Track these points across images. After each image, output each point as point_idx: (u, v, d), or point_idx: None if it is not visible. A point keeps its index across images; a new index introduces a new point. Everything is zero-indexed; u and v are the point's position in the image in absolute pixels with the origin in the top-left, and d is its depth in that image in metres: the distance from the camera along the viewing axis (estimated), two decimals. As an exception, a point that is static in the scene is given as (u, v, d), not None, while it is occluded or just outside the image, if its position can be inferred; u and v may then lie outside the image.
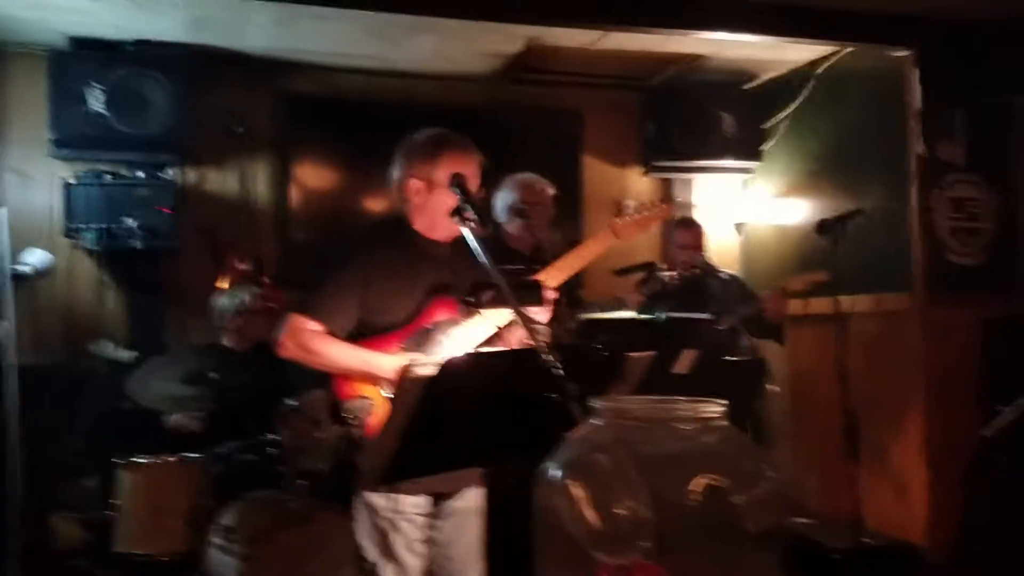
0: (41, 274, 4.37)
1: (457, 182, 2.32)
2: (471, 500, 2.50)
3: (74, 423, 4.35)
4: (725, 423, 0.86)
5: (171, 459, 3.71)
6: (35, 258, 4.34)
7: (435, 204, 2.42)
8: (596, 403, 0.90)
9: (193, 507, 3.62)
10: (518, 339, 2.41)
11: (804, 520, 4.37)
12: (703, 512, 0.79)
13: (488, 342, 2.43)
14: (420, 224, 2.48)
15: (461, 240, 2.30)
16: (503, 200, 3.63)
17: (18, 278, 4.20)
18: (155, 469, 3.71)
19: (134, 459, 3.72)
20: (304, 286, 2.52)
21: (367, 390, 2.33)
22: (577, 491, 0.82)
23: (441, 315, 2.42)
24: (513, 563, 2.53)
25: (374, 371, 2.32)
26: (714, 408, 0.86)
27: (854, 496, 3.28)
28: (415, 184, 2.44)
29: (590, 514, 0.81)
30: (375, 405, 2.31)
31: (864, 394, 4.05)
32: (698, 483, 0.79)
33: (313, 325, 2.34)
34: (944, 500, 3.90)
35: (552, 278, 2.51)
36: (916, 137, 4.09)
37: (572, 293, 3.44)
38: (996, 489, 3.50)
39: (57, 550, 4.32)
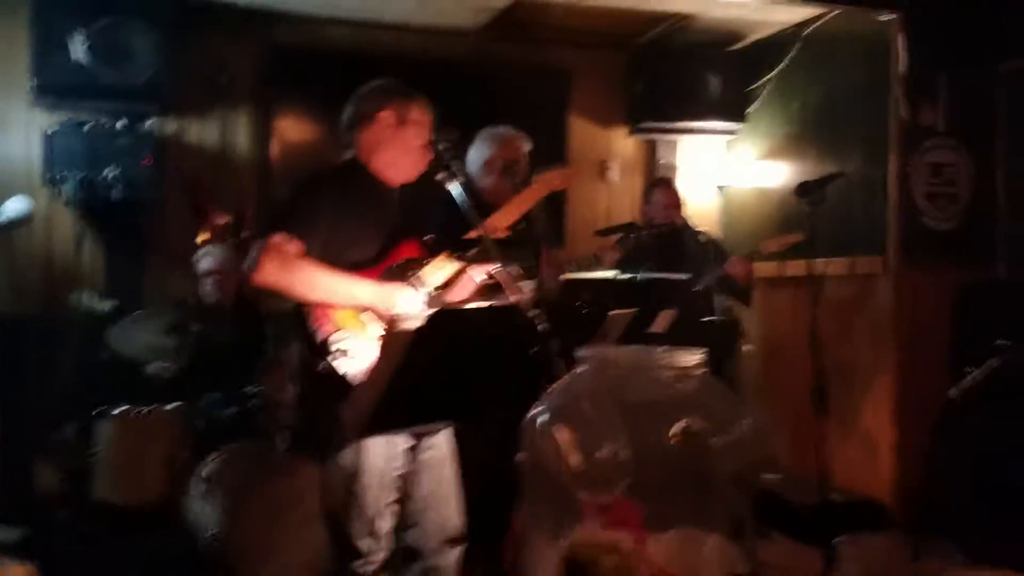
0: (19, 222, 4.33)
1: (448, 142, 2.32)
2: (444, 448, 2.52)
3: (53, 373, 4.36)
4: (703, 372, 0.90)
5: (152, 410, 3.74)
6: (12, 207, 4.30)
7: (403, 141, 2.43)
8: (582, 353, 0.94)
9: (173, 457, 3.66)
10: (473, 288, 2.41)
11: (773, 476, 4.48)
12: (681, 454, 0.83)
13: (447, 287, 2.42)
14: (377, 164, 2.46)
15: (407, 187, 2.34)
16: (478, 154, 3.50)
17: (-4, 228, 4.18)
18: (136, 420, 3.74)
19: (115, 409, 3.74)
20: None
21: (349, 323, 2.28)
22: (563, 435, 0.87)
23: (407, 256, 2.42)
24: (488, 504, 2.63)
25: (361, 300, 2.27)
26: (693, 358, 0.90)
27: (822, 454, 3.36)
28: (387, 116, 2.44)
29: (574, 456, 0.85)
30: (359, 339, 2.26)
31: (836, 355, 4.13)
32: (677, 427, 0.83)
33: (292, 247, 2.22)
34: (911, 459, 4.00)
35: (498, 224, 2.50)
36: (899, 101, 4.12)
37: (553, 253, 3.45)
38: (962, 449, 3.59)
39: (37, 498, 4.36)
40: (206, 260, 4.18)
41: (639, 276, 3.91)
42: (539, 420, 0.91)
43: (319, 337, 2.24)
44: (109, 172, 4.28)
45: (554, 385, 0.93)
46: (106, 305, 4.36)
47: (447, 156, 2.31)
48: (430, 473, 2.47)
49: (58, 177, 4.29)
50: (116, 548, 3.69)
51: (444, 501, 2.49)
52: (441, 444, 2.51)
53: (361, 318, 2.29)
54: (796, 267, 4.19)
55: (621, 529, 0.83)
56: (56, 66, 4.19)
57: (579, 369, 0.92)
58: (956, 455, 3.62)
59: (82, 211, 4.44)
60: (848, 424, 4.28)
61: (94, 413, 3.78)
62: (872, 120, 4.25)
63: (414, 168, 2.47)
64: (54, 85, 4.24)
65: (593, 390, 0.89)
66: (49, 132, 4.32)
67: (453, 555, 2.48)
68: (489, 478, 2.91)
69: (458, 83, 4.84)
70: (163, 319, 3.90)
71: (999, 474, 3.31)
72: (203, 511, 3.34)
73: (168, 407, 3.79)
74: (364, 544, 2.30)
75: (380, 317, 2.30)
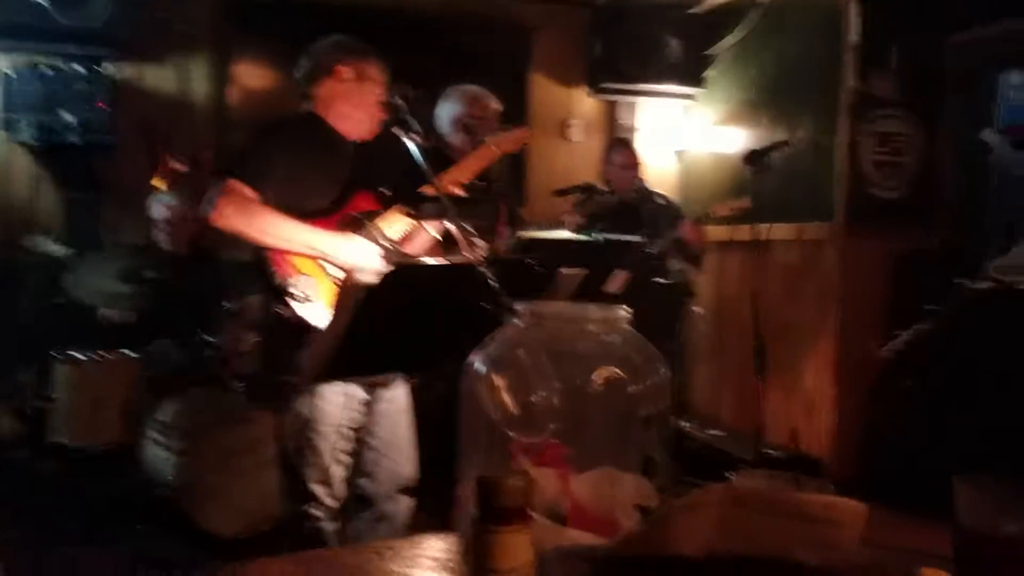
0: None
1: (402, 93, 2.36)
2: (400, 400, 2.61)
3: (10, 316, 4.34)
4: (628, 327, 0.98)
5: (108, 355, 3.76)
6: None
7: (359, 97, 2.48)
8: (518, 306, 1.01)
9: (129, 402, 3.70)
10: (428, 242, 2.47)
11: (716, 432, 4.65)
12: (603, 399, 0.92)
13: (402, 241, 2.47)
14: (334, 117, 2.50)
15: (363, 144, 2.41)
16: (447, 112, 3.50)
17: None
18: (93, 364, 3.76)
19: (72, 354, 3.76)
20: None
21: (307, 267, 2.32)
22: (498, 381, 0.94)
23: (363, 208, 2.47)
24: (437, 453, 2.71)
25: (318, 251, 2.31)
26: (620, 313, 0.98)
27: (759, 410, 3.50)
28: (345, 71, 2.48)
29: (508, 400, 0.93)
30: (318, 282, 2.31)
31: (781, 317, 4.29)
32: (600, 375, 0.91)
33: (249, 192, 2.25)
34: (848, 417, 4.18)
35: (451, 181, 2.54)
36: (850, 70, 4.21)
37: (512, 212, 3.50)
38: (896, 407, 3.75)
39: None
40: (157, 208, 4.17)
41: (594, 237, 3.98)
42: (476, 366, 0.99)
43: (277, 280, 2.28)
44: (65, 116, 4.24)
45: (491, 335, 1.01)
46: (63, 249, 4.34)
47: (402, 111, 2.35)
48: (386, 424, 2.55)
49: (14, 120, 4.24)
50: (72, 490, 3.74)
51: (399, 451, 2.58)
52: (398, 396, 2.60)
53: (320, 263, 2.34)
54: (745, 232, 4.31)
55: (547, 468, 0.91)
56: (13, 6, 4.13)
57: (516, 320, 0.99)
58: (891, 413, 3.79)
59: (39, 154, 4.41)
60: (791, 382, 4.44)
61: (51, 357, 3.79)
62: (824, 88, 4.33)
63: (369, 124, 2.51)
64: (10, 26, 4.18)
65: (527, 340, 0.97)
66: (5, 74, 4.26)
67: (404, 503, 2.58)
68: (441, 431, 3.01)
69: (419, 37, 4.84)
70: (118, 265, 3.90)
71: (926, 432, 3.48)
72: (158, 456, 3.39)
73: (124, 352, 3.81)
74: (318, 489, 2.38)
75: (337, 265, 2.35)
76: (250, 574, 1.15)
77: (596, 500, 0.91)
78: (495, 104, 3.50)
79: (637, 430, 0.93)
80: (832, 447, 4.23)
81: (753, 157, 3.64)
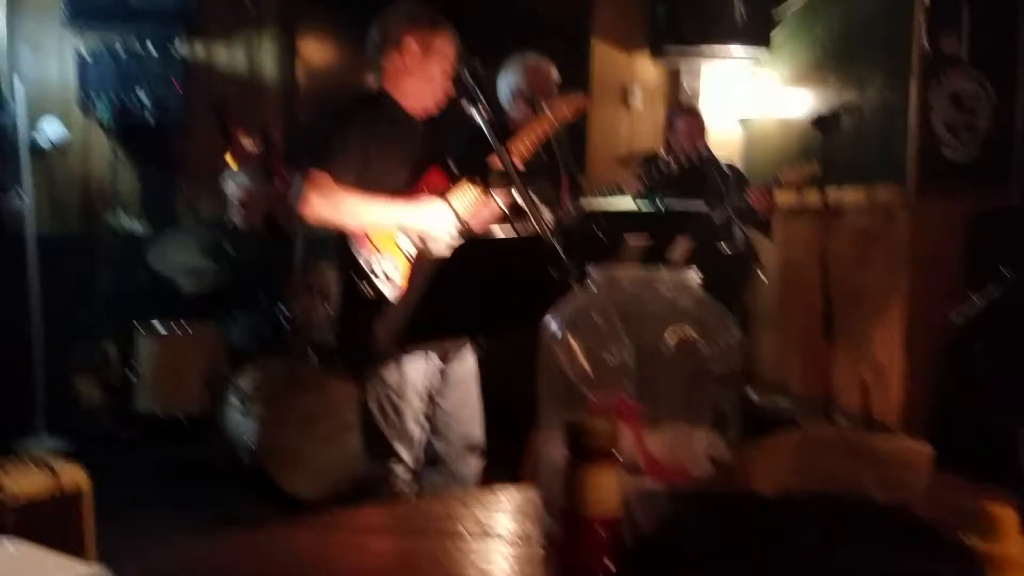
0: (56, 147, 4.47)
1: (471, 69, 2.39)
2: (469, 366, 2.69)
3: (91, 290, 4.54)
4: (698, 289, 1.02)
5: (189, 326, 3.93)
6: (51, 130, 4.43)
7: (426, 70, 2.50)
8: (591, 271, 1.06)
9: (210, 371, 3.86)
10: (496, 214, 2.52)
11: (783, 399, 4.63)
12: (675, 359, 0.96)
13: (471, 213, 2.51)
14: (400, 92, 2.54)
15: (430, 119, 2.46)
16: (507, 83, 3.51)
17: (35, 151, 4.31)
18: (174, 335, 3.93)
19: (155, 325, 3.93)
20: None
21: (386, 245, 2.40)
22: (574, 342, 0.99)
23: (435, 184, 2.53)
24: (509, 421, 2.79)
25: (403, 221, 2.39)
26: (691, 276, 1.02)
27: (828, 378, 3.49)
28: (412, 45, 2.50)
29: (583, 361, 0.98)
30: (397, 262, 2.39)
31: (850, 283, 4.23)
32: (672, 335, 0.95)
33: (331, 181, 2.33)
34: (918, 384, 4.12)
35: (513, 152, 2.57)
36: (921, 29, 4.11)
37: (573, 180, 3.51)
38: (968, 372, 3.70)
39: (79, 409, 4.59)
40: (231, 186, 4.31)
41: (657, 205, 3.97)
42: (552, 328, 1.04)
43: (361, 260, 2.37)
44: (140, 95, 4.39)
45: (567, 299, 1.06)
46: (141, 225, 4.51)
47: (471, 84, 2.39)
48: (456, 388, 2.64)
49: (91, 100, 4.41)
50: (156, 457, 3.93)
51: (468, 414, 2.67)
52: (467, 362, 2.69)
53: (396, 240, 2.42)
54: (813, 197, 4.25)
55: (623, 424, 0.96)
56: (87, -11, 4.26)
57: (589, 284, 1.04)
58: (960, 380, 3.73)
59: (115, 133, 4.56)
60: (860, 349, 4.39)
61: (134, 329, 3.97)
62: (894, 49, 4.23)
63: (436, 98, 2.55)
64: (85, 7, 4.32)
65: (600, 303, 1.01)
66: (82, 55, 4.42)
67: (474, 463, 2.68)
68: (510, 398, 3.09)
69: (480, 6, 4.86)
70: (197, 240, 4.04)
71: (999, 399, 3.42)
72: (239, 422, 3.54)
73: (205, 324, 3.97)
74: (400, 448, 2.48)
75: (412, 239, 2.42)
76: (347, 520, 1.23)
77: (669, 454, 0.96)
78: (554, 73, 3.50)
79: (709, 387, 0.97)
80: (902, 414, 4.19)
81: (822, 122, 3.58)
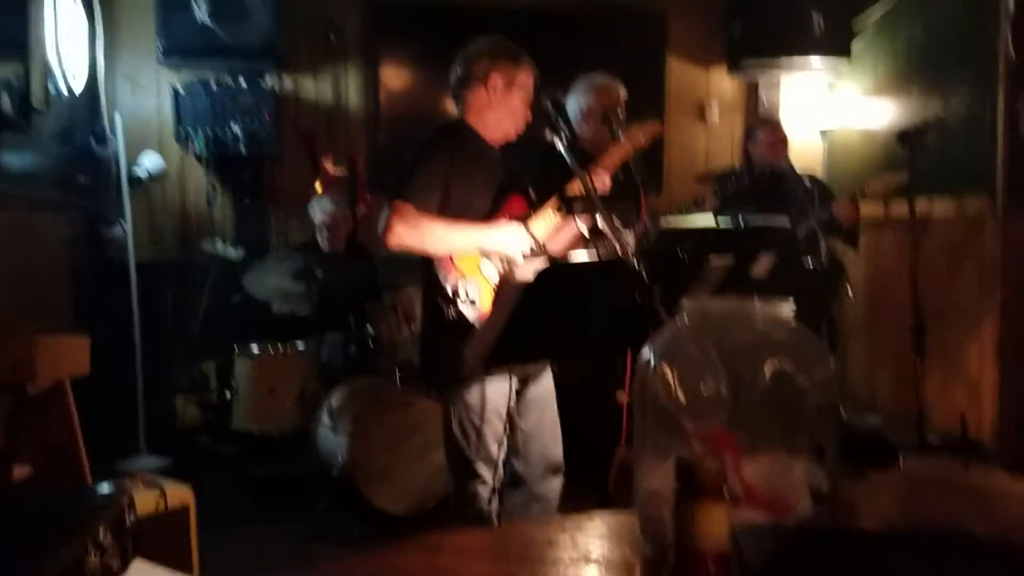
0: (154, 178, 4.69)
1: (554, 101, 2.45)
2: (547, 387, 2.73)
3: (189, 314, 4.74)
4: (794, 322, 1.04)
5: (283, 348, 4.07)
6: (149, 162, 4.66)
7: (508, 103, 2.58)
8: (684, 303, 1.09)
9: (302, 391, 3.99)
10: (578, 239, 2.54)
11: (873, 416, 4.53)
12: (772, 391, 0.99)
13: (553, 238, 2.57)
14: (482, 123, 2.62)
15: (506, 145, 2.53)
16: (575, 103, 3.53)
17: (134, 182, 4.54)
18: (269, 357, 4.07)
19: (251, 347, 4.08)
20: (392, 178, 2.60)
21: (470, 270, 2.47)
22: (669, 373, 1.03)
23: (516, 211, 2.59)
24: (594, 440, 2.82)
25: (487, 248, 2.45)
26: (786, 309, 1.05)
27: (920, 394, 3.41)
28: (497, 80, 2.57)
29: (679, 391, 1.02)
30: (480, 286, 2.46)
31: (940, 297, 4.13)
32: (768, 367, 0.98)
33: (415, 211, 2.39)
34: (1012, 400, 4.00)
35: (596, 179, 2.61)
36: (1006, 37, 4.01)
37: (652, 200, 3.52)
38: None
39: (178, 428, 4.79)
40: (316, 212, 4.46)
41: (739, 221, 3.95)
42: (649, 359, 1.08)
43: (448, 285, 2.44)
44: (233, 127, 4.59)
45: (660, 331, 1.09)
46: (235, 252, 4.69)
47: (553, 115, 2.44)
48: (535, 409, 2.68)
49: (187, 133, 4.62)
50: (252, 473, 4.07)
51: (547, 434, 2.71)
52: (545, 383, 2.73)
53: (480, 266, 2.49)
54: (901, 209, 4.17)
55: (721, 453, 0.99)
56: (180, 27, 4.49)
57: (682, 317, 1.08)
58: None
59: (210, 164, 4.77)
60: (952, 364, 4.28)
61: (231, 350, 4.13)
62: (978, 57, 4.13)
63: (515, 128, 2.63)
64: (179, 45, 4.54)
65: (695, 335, 1.05)
66: (177, 91, 4.64)
67: (556, 483, 2.71)
68: (595, 418, 3.13)
69: (556, 29, 4.93)
70: (290, 264, 4.19)
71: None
72: (330, 439, 3.64)
73: (297, 345, 4.11)
74: (482, 470, 2.54)
75: (496, 264, 2.48)
76: (449, 543, 1.29)
77: (768, 483, 0.98)
78: (622, 91, 3.51)
79: (806, 419, 1.00)
80: (996, 431, 4.06)
81: (907, 136, 3.51)
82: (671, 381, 1.03)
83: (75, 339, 2.46)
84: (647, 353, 1.07)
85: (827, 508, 0.87)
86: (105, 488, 1.72)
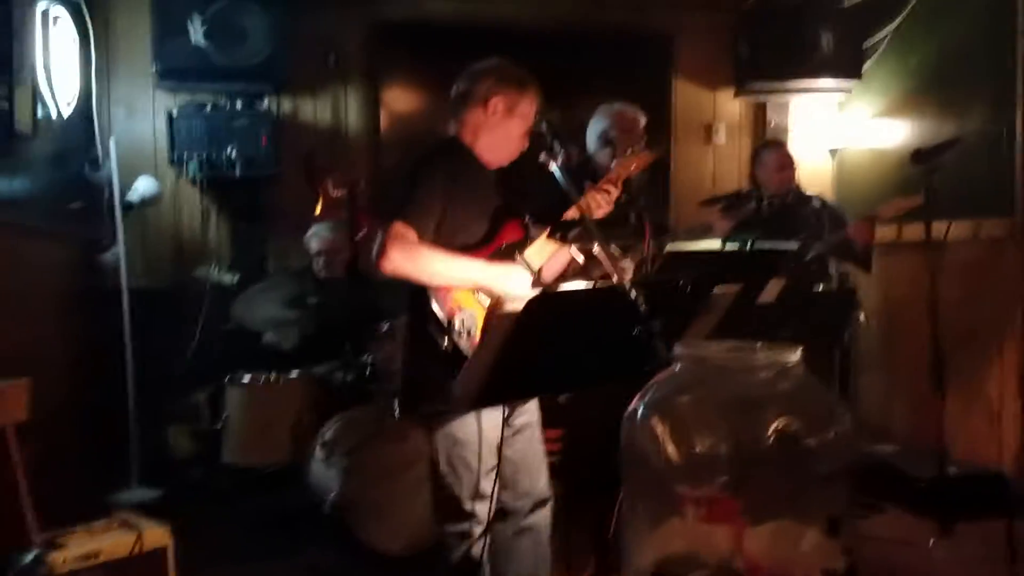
0: (148, 202, 4.60)
1: (549, 124, 2.36)
2: (533, 414, 2.61)
3: (184, 343, 4.62)
4: (801, 370, 0.91)
5: (276, 377, 3.95)
6: (144, 186, 4.56)
7: (507, 130, 2.49)
8: (678, 349, 0.96)
9: (296, 422, 3.87)
10: (575, 267, 2.45)
11: (891, 448, 4.37)
12: (777, 452, 0.85)
13: (549, 267, 2.48)
14: (479, 145, 2.53)
15: (502, 169, 2.44)
16: (595, 129, 3.62)
17: (127, 207, 4.44)
18: (262, 387, 3.95)
19: (244, 377, 3.96)
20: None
21: (466, 301, 2.35)
22: (660, 428, 0.90)
23: (511, 237, 2.48)
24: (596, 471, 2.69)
25: (479, 282, 2.35)
26: (790, 355, 0.91)
27: (939, 426, 3.26)
28: (498, 104, 2.48)
29: (672, 449, 0.88)
30: (477, 317, 2.34)
31: (959, 322, 3.97)
32: (773, 427, 0.85)
33: (412, 235, 2.30)
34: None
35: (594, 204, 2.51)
36: (1024, 55, 3.89)
37: (656, 225, 3.43)
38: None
39: (171, 460, 4.67)
40: (315, 240, 4.36)
41: (745, 245, 3.84)
42: (638, 414, 0.94)
43: (443, 316, 2.31)
44: (229, 151, 4.50)
45: (652, 381, 0.97)
46: (231, 277, 4.59)
47: (549, 138, 2.34)
48: (521, 438, 2.56)
49: (183, 157, 4.53)
50: (243, 507, 3.94)
51: (533, 463, 2.59)
52: (531, 411, 2.61)
53: (476, 297, 2.37)
54: (915, 231, 4.02)
55: (718, 522, 0.86)
56: (176, 50, 4.39)
57: (676, 365, 0.95)
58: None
59: (206, 188, 4.67)
60: (971, 393, 4.13)
61: (223, 380, 4.01)
62: (996, 75, 4.02)
63: (511, 155, 2.54)
64: (175, 68, 4.45)
65: (690, 386, 0.92)
66: (173, 114, 4.56)
67: (544, 515, 2.59)
68: (594, 448, 2.98)
69: (562, 51, 4.85)
70: (284, 291, 4.08)
71: None
72: (323, 473, 3.52)
73: (291, 375, 3.99)
74: (471, 506, 2.40)
75: (490, 296, 2.37)
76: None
77: (773, 557, 0.85)
78: (641, 118, 3.57)
79: (817, 485, 0.86)
80: (1017, 461, 3.90)
81: (923, 157, 3.39)
82: (661, 437, 0.90)
83: (11, 384, 2.33)
84: (635, 407, 0.94)
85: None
86: (28, 558, 1.60)
